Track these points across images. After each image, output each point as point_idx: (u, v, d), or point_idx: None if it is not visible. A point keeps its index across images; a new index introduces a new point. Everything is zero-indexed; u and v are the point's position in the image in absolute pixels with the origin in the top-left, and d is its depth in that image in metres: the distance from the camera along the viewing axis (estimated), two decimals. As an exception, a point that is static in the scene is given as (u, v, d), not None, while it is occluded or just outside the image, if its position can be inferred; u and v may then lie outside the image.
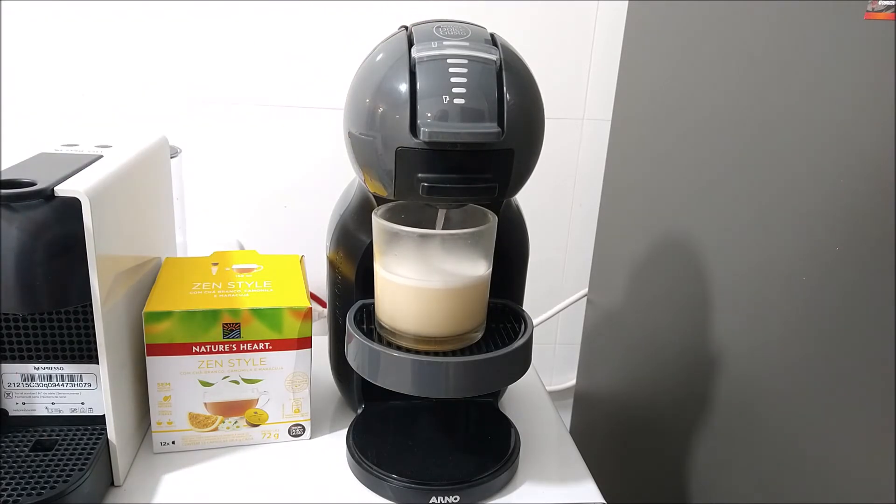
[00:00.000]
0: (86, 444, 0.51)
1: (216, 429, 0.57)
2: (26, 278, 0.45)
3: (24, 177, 0.46)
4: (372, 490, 0.54)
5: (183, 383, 0.55)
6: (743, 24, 0.61)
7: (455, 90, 0.44)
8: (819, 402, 0.53)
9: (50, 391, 0.53)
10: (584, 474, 0.58)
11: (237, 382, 0.56)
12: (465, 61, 0.45)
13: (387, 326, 0.52)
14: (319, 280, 0.68)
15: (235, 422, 0.57)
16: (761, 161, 0.59)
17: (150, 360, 0.53)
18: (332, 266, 0.59)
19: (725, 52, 0.63)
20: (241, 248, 0.89)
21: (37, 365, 0.52)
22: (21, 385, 0.53)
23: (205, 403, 0.56)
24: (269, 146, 0.89)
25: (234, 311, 0.54)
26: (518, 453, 0.57)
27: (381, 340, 0.51)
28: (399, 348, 0.50)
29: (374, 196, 0.53)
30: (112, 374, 0.49)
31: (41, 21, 0.81)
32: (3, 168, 0.48)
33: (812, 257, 0.53)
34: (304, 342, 0.56)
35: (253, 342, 0.55)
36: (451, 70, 0.45)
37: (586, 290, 0.98)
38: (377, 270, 0.51)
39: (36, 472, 0.48)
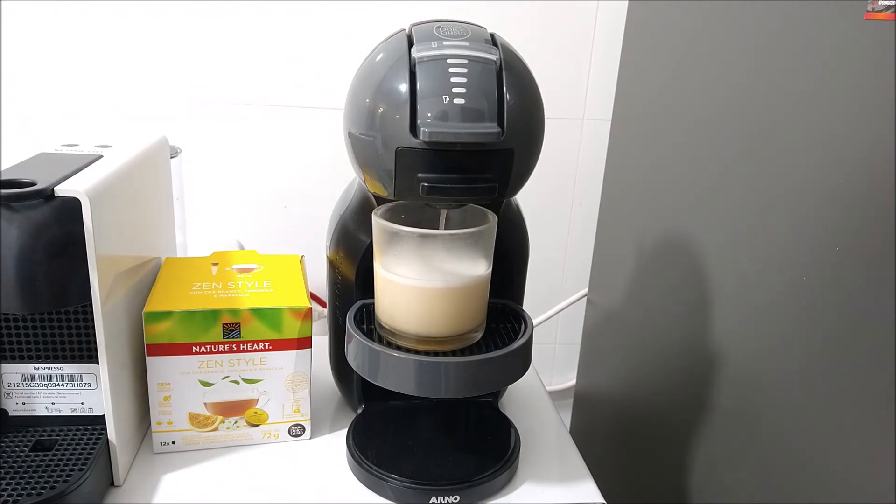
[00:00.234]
0: (86, 444, 0.51)
1: (216, 429, 0.57)
2: (26, 278, 0.45)
3: (24, 177, 0.46)
4: (372, 490, 0.54)
5: (183, 383, 0.55)
6: (743, 25, 0.61)
7: (455, 90, 0.44)
8: (819, 402, 0.53)
9: (50, 391, 0.53)
10: (584, 474, 0.58)
11: (237, 382, 0.56)
12: (465, 61, 0.45)
13: (387, 326, 0.52)
14: (319, 280, 0.68)
15: (235, 422, 0.57)
16: (761, 161, 0.59)
17: (150, 360, 0.53)
18: (332, 266, 0.59)
19: (725, 52, 0.63)
20: (241, 248, 0.89)
21: (37, 365, 0.52)
22: (21, 385, 0.53)
23: (205, 403, 0.56)
24: (269, 146, 0.89)
25: (234, 311, 0.54)
26: (518, 453, 0.57)
27: (381, 340, 0.51)
28: (399, 348, 0.50)
29: (374, 196, 0.53)
30: (112, 374, 0.49)
31: (41, 21, 0.81)
32: (3, 168, 0.48)
33: (812, 257, 0.53)
34: (304, 342, 0.56)
35: (253, 342, 0.55)
36: (451, 70, 0.45)
37: (586, 290, 0.98)
38: (377, 270, 0.51)
39: (36, 472, 0.48)
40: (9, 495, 0.45)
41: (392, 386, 0.49)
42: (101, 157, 0.53)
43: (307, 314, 0.55)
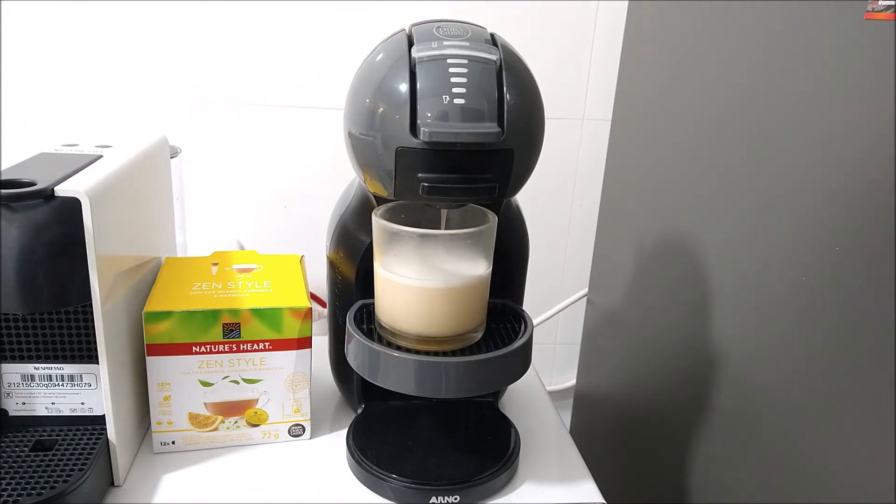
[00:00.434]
0: (86, 444, 0.51)
1: (216, 429, 0.57)
2: (26, 278, 0.45)
3: (24, 177, 0.46)
4: (372, 490, 0.54)
5: (183, 383, 0.55)
6: (743, 25, 0.61)
7: (455, 90, 0.44)
8: (819, 402, 0.53)
9: (50, 391, 0.53)
10: (584, 474, 0.58)
11: (237, 382, 0.56)
12: (465, 61, 0.45)
13: (387, 326, 0.52)
14: (319, 280, 0.68)
15: (235, 422, 0.57)
16: (761, 161, 0.59)
17: (150, 360, 0.53)
18: (332, 266, 0.59)
19: (725, 52, 0.63)
20: (241, 248, 0.89)
21: (37, 365, 0.52)
22: (21, 385, 0.53)
23: (205, 403, 0.56)
24: (269, 146, 0.89)
25: (234, 311, 0.54)
26: (518, 453, 0.57)
27: (381, 340, 0.51)
28: (399, 348, 0.50)
29: (374, 196, 0.53)
30: (112, 374, 0.49)
31: (41, 21, 0.81)
32: (3, 168, 0.48)
33: (812, 257, 0.53)
34: (304, 342, 0.56)
35: (253, 342, 0.55)
36: (451, 70, 0.45)
37: (586, 290, 0.98)
38: (377, 270, 0.51)
39: (36, 472, 0.48)
40: (9, 495, 0.45)
41: (392, 386, 0.49)
42: (101, 157, 0.53)
43: (307, 314, 0.55)
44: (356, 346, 0.51)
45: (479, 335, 0.53)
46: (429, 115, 0.44)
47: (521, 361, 0.52)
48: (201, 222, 0.89)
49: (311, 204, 0.91)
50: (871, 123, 0.48)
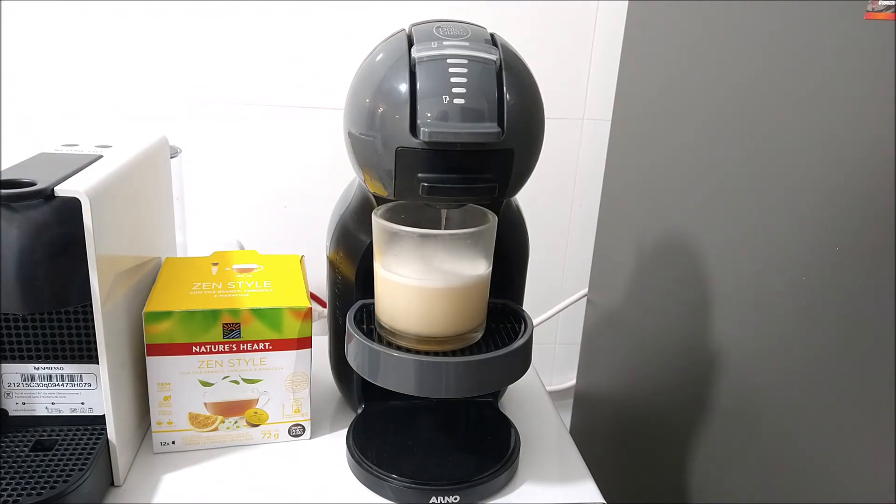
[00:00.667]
0: (86, 444, 0.51)
1: (216, 429, 0.57)
2: (26, 278, 0.45)
3: (24, 177, 0.46)
4: (372, 490, 0.54)
5: (183, 383, 0.55)
6: (743, 25, 0.61)
7: (455, 90, 0.44)
8: (819, 402, 0.53)
9: (50, 391, 0.53)
10: (584, 474, 0.58)
11: (237, 382, 0.56)
12: (465, 61, 0.45)
13: (387, 326, 0.52)
14: (319, 280, 0.68)
15: (235, 422, 0.57)
16: (761, 161, 0.59)
17: (150, 360, 0.53)
18: (332, 266, 0.59)
19: (725, 52, 0.63)
20: (241, 248, 0.89)
21: (37, 365, 0.52)
22: (21, 385, 0.53)
23: (205, 403, 0.56)
24: (269, 146, 0.89)
25: (234, 311, 0.54)
26: (518, 453, 0.57)
27: (381, 340, 0.51)
28: (399, 348, 0.50)
29: (374, 196, 0.53)
30: (112, 374, 0.49)
31: (41, 21, 0.81)
32: (3, 168, 0.48)
33: (812, 257, 0.53)
34: (304, 342, 0.56)
35: (253, 342, 0.55)
36: (451, 70, 0.45)
37: (586, 290, 0.98)
38: (377, 270, 0.51)
39: (36, 472, 0.48)
40: (9, 495, 0.45)
41: (392, 386, 0.49)
42: (101, 157, 0.53)
43: (307, 314, 0.55)
44: (356, 346, 0.51)
45: (479, 335, 0.53)
46: (429, 115, 0.44)
47: (521, 361, 0.52)
48: (201, 222, 0.89)
49: (311, 204, 0.91)
50: (871, 123, 0.48)
